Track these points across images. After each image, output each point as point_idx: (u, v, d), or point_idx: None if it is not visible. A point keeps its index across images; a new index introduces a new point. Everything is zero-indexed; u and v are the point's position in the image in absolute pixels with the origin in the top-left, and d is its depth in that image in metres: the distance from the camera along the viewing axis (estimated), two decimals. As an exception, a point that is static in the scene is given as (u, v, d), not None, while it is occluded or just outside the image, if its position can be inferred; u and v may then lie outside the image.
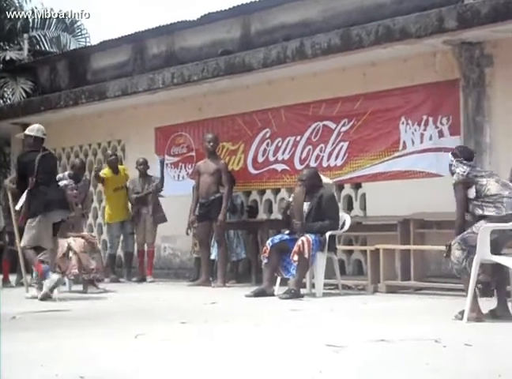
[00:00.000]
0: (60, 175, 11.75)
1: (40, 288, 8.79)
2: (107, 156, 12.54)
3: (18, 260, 11.55)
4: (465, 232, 6.40)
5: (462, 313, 6.30)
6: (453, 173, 6.66)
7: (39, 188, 8.92)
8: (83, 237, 9.99)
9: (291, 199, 9.55)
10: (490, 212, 6.37)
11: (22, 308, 7.55)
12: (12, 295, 9.83)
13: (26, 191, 8.96)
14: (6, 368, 4.23)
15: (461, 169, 6.55)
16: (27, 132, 9.34)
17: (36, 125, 9.45)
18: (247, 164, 11.94)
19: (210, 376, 4.06)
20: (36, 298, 8.75)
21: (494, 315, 6.44)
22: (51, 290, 8.63)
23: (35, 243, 9.00)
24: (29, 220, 8.94)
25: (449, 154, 6.84)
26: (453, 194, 6.64)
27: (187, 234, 11.42)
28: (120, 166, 12.46)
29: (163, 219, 11.98)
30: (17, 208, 9.19)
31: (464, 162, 6.60)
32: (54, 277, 8.70)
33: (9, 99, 16.79)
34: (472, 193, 6.47)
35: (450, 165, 6.72)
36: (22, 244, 9.17)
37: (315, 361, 4.45)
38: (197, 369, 4.25)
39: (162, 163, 11.98)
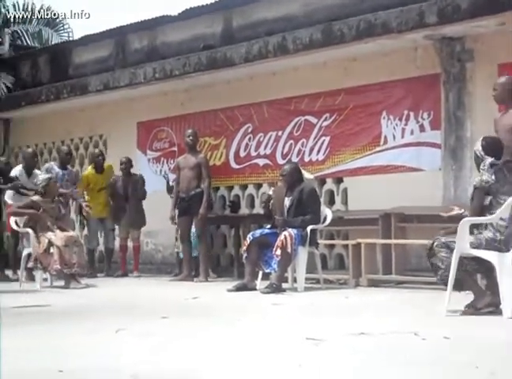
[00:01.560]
0: (48, 165, 11.86)
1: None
2: (94, 156, 12.48)
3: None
4: (451, 238, 6.37)
5: (470, 306, 6.33)
6: (478, 168, 6.43)
7: None
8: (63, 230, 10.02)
9: (271, 192, 9.57)
10: (488, 231, 6.27)
11: (2, 303, 7.52)
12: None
13: None
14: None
15: (487, 177, 6.27)
16: None
17: None
18: (229, 159, 11.94)
19: (191, 369, 4.07)
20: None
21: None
22: None
23: None
24: None
25: (479, 143, 6.52)
26: (471, 195, 6.47)
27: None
28: (106, 165, 12.38)
29: (142, 224, 11.99)
30: None
31: (494, 165, 6.27)
32: None
33: (-10, 94, 16.69)
34: (486, 201, 6.28)
35: (478, 157, 6.45)
36: None
37: (295, 354, 4.46)
38: (177, 362, 4.26)
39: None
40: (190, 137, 10.94)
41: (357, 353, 4.52)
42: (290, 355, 4.43)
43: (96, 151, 12.69)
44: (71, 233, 10.16)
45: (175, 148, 12.61)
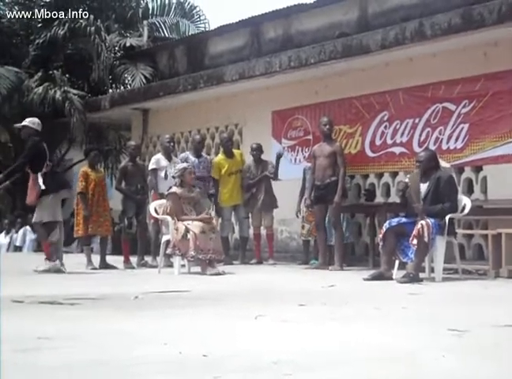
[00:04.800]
0: (183, 154, 12.12)
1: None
2: (223, 141, 12.64)
3: (138, 242, 11.98)
4: None
5: None
6: None
7: (52, 170, 10.30)
8: (200, 220, 10.10)
9: (407, 180, 9.43)
10: None
11: (143, 288, 7.71)
12: (134, 276, 10.09)
13: (41, 173, 9.97)
14: (128, 346, 4.33)
15: None
16: (29, 124, 10.21)
17: (36, 120, 10.33)
18: (365, 147, 11.85)
19: (331, 354, 4.05)
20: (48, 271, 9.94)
21: None
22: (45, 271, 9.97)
23: (50, 218, 10.06)
24: (43, 197, 9.99)
25: None
26: None
27: (297, 216, 11.59)
28: (236, 151, 12.56)
29: (274, 205, 12.06)
30: (43, 187, 10.00)
31: None
32: (53, 264, 10.03)
33: (130, 84, 17.20)
34: None
35: None
36: (36, 220, 10.20)
37: (438, 345, 4.37)
38: (317, 349, 4.25)
39: (279, 157, 11.95)
40: (327, 126, 10.90)
41: (502, 345, 4.40)
42: (432, 346, 4.35)
43: (225, 135, 12.85)
44: (208, 219, 10.27)
45: (310, 137, 12.61)
